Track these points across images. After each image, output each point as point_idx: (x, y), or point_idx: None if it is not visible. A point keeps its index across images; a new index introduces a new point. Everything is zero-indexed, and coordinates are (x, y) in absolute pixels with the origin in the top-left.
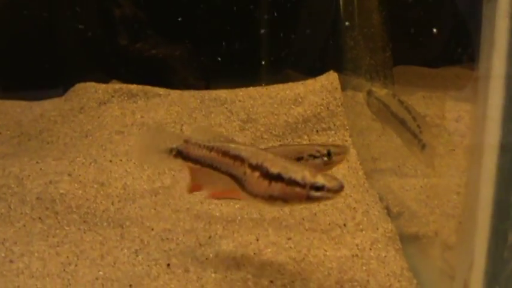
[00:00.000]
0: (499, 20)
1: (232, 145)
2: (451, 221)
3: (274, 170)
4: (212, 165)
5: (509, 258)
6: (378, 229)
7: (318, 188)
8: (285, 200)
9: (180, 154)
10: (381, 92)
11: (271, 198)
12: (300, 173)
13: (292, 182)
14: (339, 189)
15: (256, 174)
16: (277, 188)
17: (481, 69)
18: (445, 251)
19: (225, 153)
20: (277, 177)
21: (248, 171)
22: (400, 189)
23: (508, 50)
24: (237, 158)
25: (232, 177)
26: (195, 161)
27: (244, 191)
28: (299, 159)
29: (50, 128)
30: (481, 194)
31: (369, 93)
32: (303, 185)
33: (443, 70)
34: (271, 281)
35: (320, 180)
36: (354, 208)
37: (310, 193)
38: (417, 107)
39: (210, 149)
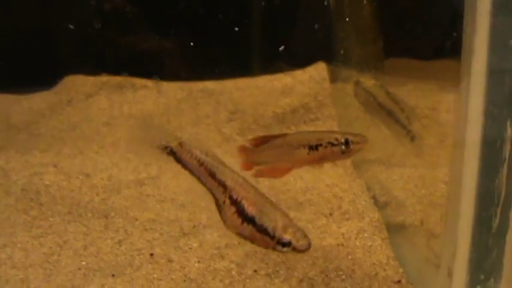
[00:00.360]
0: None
1: (221, 168)
2: (438, 210)
3: (249, 211)
4: (198, 177)
5: (494, 246)
6: (364, 218)
7: (284, 244)
8: (252, 242)
9: (172, 154)
10: (368, 82)
11: (240, 235)
12: (272, 223)
13: (262, 230)
14: (304, 250)
15: (233, 209)
16: (248, 229)
17: (463, 62)
18: (431, 239)
19: (212, 174)
20: (250, 220)
21: (227, 202)
22: (387, 179)
23: (489, 43)
24: (220, 183)
25: (215, 198)
26: (184, 166)
27: (220, 216)
28: (318, 146)
29: (38, 121)
30: (464, 182)
31: (357, 83)
32: (271, 236)
33: (435, 62)
34: (255, 270)
35: (288, 236)
36: (341, 197)
37: (277, 247)
38: (408, 98)
39: (200, 163)
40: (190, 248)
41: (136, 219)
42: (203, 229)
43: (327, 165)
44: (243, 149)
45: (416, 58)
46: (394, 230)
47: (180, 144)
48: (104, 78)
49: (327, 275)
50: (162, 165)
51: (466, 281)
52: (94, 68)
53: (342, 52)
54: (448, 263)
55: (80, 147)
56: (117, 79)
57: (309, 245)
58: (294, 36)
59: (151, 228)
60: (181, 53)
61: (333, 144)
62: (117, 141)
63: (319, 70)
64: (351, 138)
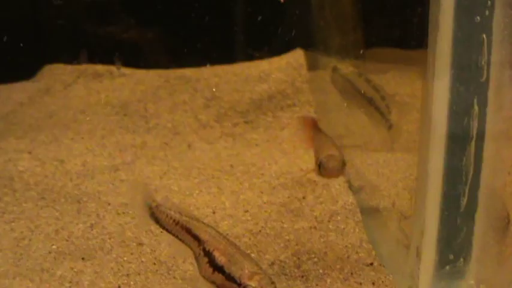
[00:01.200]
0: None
1: (195, 223)
2: (411, 193)
3: (219, 261)
4: (177, 236)
5: (463, 225)
6: (337, 202)
7: None
8: None
9: (151, 215)
10: (346, 69)
11: (214, 284)
12: (239, 271)
13: (230, 278)
14: None
15: (206, 259)
16: (218, 278)
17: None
18: (402, 221)
19: (188, 231)
20: (220, 269)
21: (201, 253)
22: (362, 163)
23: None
24: (195, 238)
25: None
26: (162, 226)
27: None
28: None
29: (15, 110)
30: (431, 160)
31: (334, 69)
32: (238, 284)
33: (418, 52)
34: None
35: (253, 283)
36: (314, 181)
37: None
38: (388, 85)
39: (176, 222)
40: (161, 232)
41: (109, 204)
42: None
43: (301, 150)
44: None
45: (399, 48)
46: (368, 213)
47: (157, 205)
48: (82, 66)
49: (298, 258)
50: (137, 151)
51: (435, 261)
52: (74, 58)
53: (321, 40)
54: (417, 243)
55: (55, 135)
56: (96, 67)
57: None
58: (273, 23)
59: (123, 213)
60: (160, 42)
61: None
62: (93, 128)
63: (296, 57)
64: None
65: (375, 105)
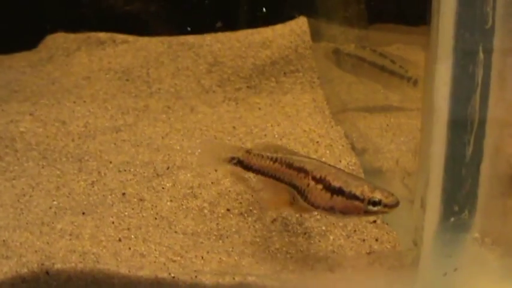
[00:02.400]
0: None
1: (296, 157)
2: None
3: (336, 184)
4: (275, 176)
5: (467, 176)
6: (340, 162)
7: (375, 203)
8: (344, 212)
9: (240, 164)
10: (348, 47)
11: (331, 210)
12: (360, 188)
13: (352, 196)
14: (393, 205)
15: (320, 186)
16: (338, 200)
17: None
18: (406, 178)
19: (289, 165)
20: (339, 191)
21: (311, 183)
22: (366, 127)
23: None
24: (301, 170)
25: (295, 188)
26: (257, 170)
27: (307, 201)
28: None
29: (18, 78)
30: (436, 108)
31: (336, 52)
32: (361, 199)
33: (422, 28)
34: (228, 209)
35: (377, 195)
36: (317, 142)
37: (368, 207)
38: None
39: (274, 160)
40: (163, 188)
41: (111, 162)
42: (177, 170)
43: (304, 113)
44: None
45: (404, 24)
46: (371, 174)
47: (247, 151)
48: (85, 35)
49: (301, 215)
50: (139, 114)
51: (440, 212)
52: (77, 27)
53: (325, 10)
54: (421, 194)
55: (57, 98)
56: (98, 35)
57: (398, 202)
58: None
59: (125, 170)
60: (163, 9)
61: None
62: (95, 93)
63: (299, 24)
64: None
65: (389, 70)
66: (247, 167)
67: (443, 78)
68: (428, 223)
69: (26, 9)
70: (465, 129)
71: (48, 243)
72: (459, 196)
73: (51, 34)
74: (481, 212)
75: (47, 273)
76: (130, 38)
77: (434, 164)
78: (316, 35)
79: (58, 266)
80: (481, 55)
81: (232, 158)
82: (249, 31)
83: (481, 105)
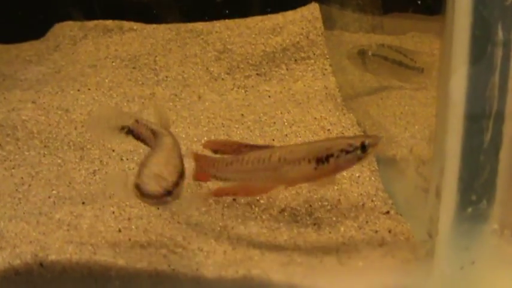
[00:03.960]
0: None
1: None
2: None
3: None
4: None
5: (486, 164)
6: None
7: None
8: None
9: (131, 132)
10: (375, 47)
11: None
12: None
13: None
14: None
15: None
16: None
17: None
18: (420, 166)
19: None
20: None
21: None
22: (379, 115)
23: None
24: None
25: None
26: (143, 140)
27: None
28: (328, 156)
29: (24, 67)
30: (452, 92)
31: (362, 53)
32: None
33: (438, 17)
34: (234, 199)
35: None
36: (328, 130)
37: None
38: (406, 45)
39: (154, 132)
40: None
41: (113, 151)
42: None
43: (315, 100)
44: (198, 158)
45: (420, 13)
46: (385, 163)
47: (136, 121)
48: (92, 23)
49: (310, 205)
50: (145, 102)
51: (456, 201)
52: (86, 16)
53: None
54: (436, 182)
55: (61, 86)
56: (105, 23)
57: None
58: None
59: (127, 159)
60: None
61: (347, 152)
62: (101, 80)
63: (311, 10)
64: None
65: (403, 64)
66: (136, 137)
67: (460, 65)
68: (444, 213)
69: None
70: (483, 115)
71: (44, 233)
72: (477, 185)
73: (59, 23)
74: (500, 201)
75: (41, 264)
76: (138, 25)
77: (450, 151)
78: (328, 22)
79: (53, 257)
80: (500, 34)
81: (123, 127)
82: (259, 17)
83: (500, 90)
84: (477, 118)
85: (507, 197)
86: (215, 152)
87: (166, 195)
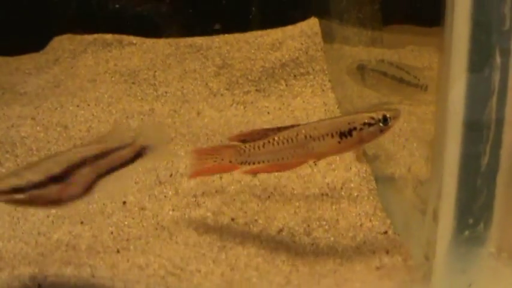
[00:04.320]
0: None
1: None
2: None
3: None
4: None
5: (483, 187)
6: (351, 169)
7: None
8: None
9: None
10: (374, 62)
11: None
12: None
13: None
14: None
15: None
16: None
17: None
18: (418, 187)
19: None
20: None
21: None
22: None
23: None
24: None
25: None
26: None
27: None
28: (351, 130)
29: (24, 80)
30: (450, 114)
31: (361, 68)
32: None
33: (436, 29)
34: (233, 219)
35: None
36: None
37: None
38: (405, 58)
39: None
40: (165, 196)
41: None
42: (180, 177)
43: (314, 117)
44: (225, 149)
45: (419, 25)
46: (383, 182)
47: None
48: (91, 37)
49: (308, 225)
50: (144, 118)
51: (453, 225)
52: (86, 29)
53: (339, 13)
54: (434, 205)
55: (61, 102)
56: (105, 37)
57: None
58: None
59: (126, 178)
60: (171, 11)
61: (370, 125)
62: (100, 96)
63: (311, 25)
64: (388, 114)
65: (405, 81)
66: None
67: (458, 84)
68: (441, 236)
69: (33, 10)
70: (481, 138)
71: (43, 254)
72: (474, 208)
73: (58, 36)
74: (497, 225)
75: (40, 286)
76: (137, 39)
77: (447, 173)
78: (328, 36)
79: (51, 279)
80: (498, 59)
81: None
82: (259, 32)
83: (498, 113)
84: (475, 142)
85: (504, 220)
86: (243, 142)
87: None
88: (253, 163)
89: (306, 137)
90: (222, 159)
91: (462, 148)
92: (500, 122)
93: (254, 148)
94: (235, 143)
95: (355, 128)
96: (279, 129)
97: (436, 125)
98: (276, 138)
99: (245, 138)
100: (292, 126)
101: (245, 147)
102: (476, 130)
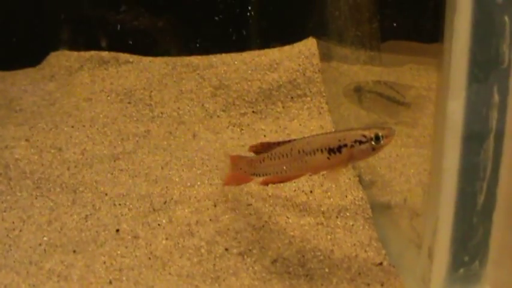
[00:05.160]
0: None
1: None
2: (425, 189)
3: None
4: None
5: (479, 225)
6: (346, 197)
7: None
8: None
9: None
10: (371, 84)
11: None
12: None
13: None
14: None
15: None
16: None
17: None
18: (414, 219)
19: None
20: None
21: None
22: (374, 157)
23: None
24: None
25: None
26: None
27: None
28: (341, 146)
29: (20, 96)
30: (446, 153)
31: (358, 89)
32: None
33: (436, 45)
34: (226, 249)
35: None
36: (323, 175)
37: None
38: (403, 78)
39: None
40: (159, 225)
41: (106, 194)
42: (174, 205)
43: None
44: (237, 159)
45: (417, 41)
46: (379, 209)
47: None
48: (88, 54)
49: (303, 256)
50: (139, 140)
51: (448, 262)
52: (83, 45)
53: (335, 30)
54: (429, 243)
55: (55, 122)
56: (101, 54)
57: None
58: (285, 11)
59: (120, 204)
60: (168, 30)
61: (361, 142)
62: (95, 116)
63: (308, 45)
64: (380, 132)
65: (393, 99)
66: None
67: (454, 121)
68: (436, 274)
69: (30, 25)
70: (477, 176)
71: (34, 286)
72: (469, 246)
73: (55, 51)
74: (492, 262)
75: None
76: (134, 57)
77: (443, 211)
78: (326, 56)
79: None
80: (496, 97)
81: None
82: (256, 52)
83: (495, 150)
84: (471, 180)
85: (500, 258)
86: (257, 153)
87: None
88: (259, 175)
89: (299, 151)
90: (241, 169)
91: (458, 186)
92: (496, 161)
93: (258, 161)
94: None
95: (345, 145)
96: (281, 143)
97: (432, 163)
98: (273, 152)
99: (258, 150)
100: (290, 141)
101: (251, 160)
102: (472, 168)
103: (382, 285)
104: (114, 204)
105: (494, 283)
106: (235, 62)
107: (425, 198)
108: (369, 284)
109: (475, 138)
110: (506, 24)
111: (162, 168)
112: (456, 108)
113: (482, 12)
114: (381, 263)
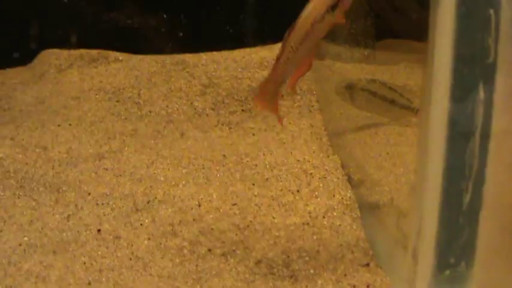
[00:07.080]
0: None
1: None
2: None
3: None
4: None
5: (465, 225)
6: (334, 196)
7: None
8: None
9: None
10: (361, 82)
11: None
12: None
13: None
14: None
15: None
16: None
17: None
18: (400, 218)
19: None
20: None
21: None
22: (364, 156)
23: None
24: None
25: None
26: None
27: None
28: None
29: (9, 95)
30: (431, 151)
31: (350, 87)
32: None
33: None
34: (209, 250)
35: None
36: (311, 174)
37: None
38: (398, 76)
39: None
40: (141, 225)
41: (89, 194)
42: (158, 204)
43: (300, 140)
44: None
45: (413, 39)
46: (367, 209)
47: None
48: (78, 52)
49: (288, 256)
50: (126, 139)
51: (434, 264)
52: (74, 43)
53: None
54: (413, 243)
55: (42, 121)
56: (91, 52)
57: None
58: (276, 8)
59: (103, 203)
60: (158, 27)
61: None
62: (83, 114)
63: None
64: None
65: (398, 104)
66: None
67: (439, 118)
68: (421, 276)
69: (20, 23)
70: (463, 175)
71: (11, 287)
72: (455, 247)
73: (45, 50)
74: (480, 264)
75: None
76: (124, 55)
77: (427, 212)
78: (317, 54)
79: None
80: (481, 94)
81: None
82: (247, 50)
83: (481, 148)
84: (457, 179)
85: (487, 259)
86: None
87: None
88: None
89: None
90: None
91: (443, 186)
92: (483, 160)
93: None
94: None
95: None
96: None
97: (417, 162)
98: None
99: None
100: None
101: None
102: (458, 167)
103: (368, 286)
104: (97, 204)
105: (482, 285)
106: (226, 60)
107: (410, 198)
108: (354, 286)
109: (460, 136)
110: (492, 18)
111: (147, 167)
112: (440, 105)
113: (467, 5)
114: (367, 264)
